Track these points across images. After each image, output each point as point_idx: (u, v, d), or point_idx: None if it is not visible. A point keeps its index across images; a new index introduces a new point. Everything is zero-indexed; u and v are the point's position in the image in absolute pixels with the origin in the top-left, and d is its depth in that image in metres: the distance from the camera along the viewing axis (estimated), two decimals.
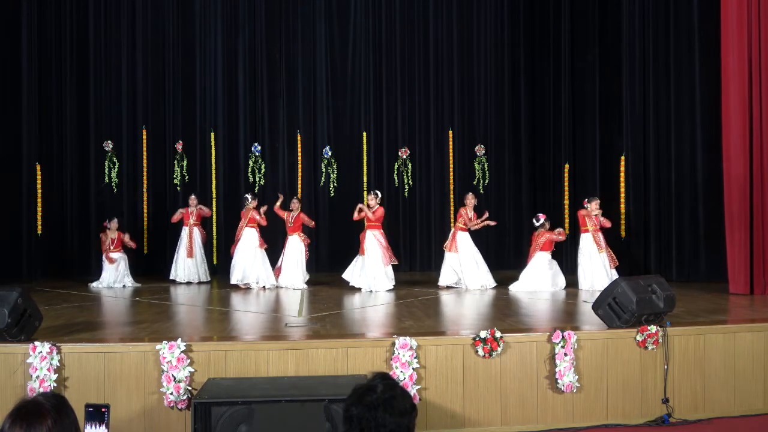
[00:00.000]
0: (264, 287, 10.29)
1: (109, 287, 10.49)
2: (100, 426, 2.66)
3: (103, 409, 2.69)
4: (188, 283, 10.90)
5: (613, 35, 11.32)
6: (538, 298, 9.04)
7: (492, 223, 10.52)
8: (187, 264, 10.99)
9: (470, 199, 10.34)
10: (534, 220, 10.17)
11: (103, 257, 10.74)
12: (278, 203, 10.68)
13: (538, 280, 9.75)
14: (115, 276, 10.65)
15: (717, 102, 9.11)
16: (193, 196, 11.28)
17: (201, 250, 11.17)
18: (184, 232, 11.09)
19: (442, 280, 10.21)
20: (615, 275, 9.14)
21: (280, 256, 10.49)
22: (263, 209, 10.53)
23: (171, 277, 11.05)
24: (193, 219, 11.07)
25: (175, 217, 11.23)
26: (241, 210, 10.69)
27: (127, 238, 10.94)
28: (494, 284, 10.08)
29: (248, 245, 10.42)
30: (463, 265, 10.09)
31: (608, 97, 11.56)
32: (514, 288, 9.76)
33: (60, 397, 2.18)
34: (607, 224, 9.85)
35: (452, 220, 12.57)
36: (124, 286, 10.63)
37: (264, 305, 8.89)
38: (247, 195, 10.80)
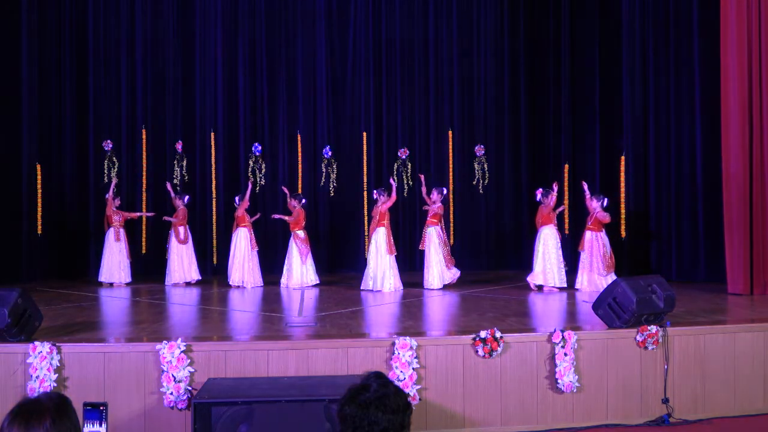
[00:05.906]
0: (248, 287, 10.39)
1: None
2: (98, 424, 2.66)
3: (101, 408, 2.69)
4: (175, 284, 10.77)
5: (613, 35, 11.32)
6: (540, 298, 9.04)
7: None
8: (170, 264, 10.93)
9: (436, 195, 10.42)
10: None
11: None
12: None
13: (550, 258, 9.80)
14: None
15: (717, 102, 9.11)
16: (176, 197, 11.22)
17: (181, 250, 10.94)
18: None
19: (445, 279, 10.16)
20: (611, 277, 9.21)
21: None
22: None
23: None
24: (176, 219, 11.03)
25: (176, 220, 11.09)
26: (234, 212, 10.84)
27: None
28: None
29: (240, 246, 10.53)
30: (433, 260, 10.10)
31: (608, 97, 11.56)
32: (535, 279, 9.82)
33: (63, 397, 2.17)
34: (606, 219, 9.76)
35: (452, 221, 12.59)
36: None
37: (264, 305, 8.89)
38: (236, 197, 10.94)
